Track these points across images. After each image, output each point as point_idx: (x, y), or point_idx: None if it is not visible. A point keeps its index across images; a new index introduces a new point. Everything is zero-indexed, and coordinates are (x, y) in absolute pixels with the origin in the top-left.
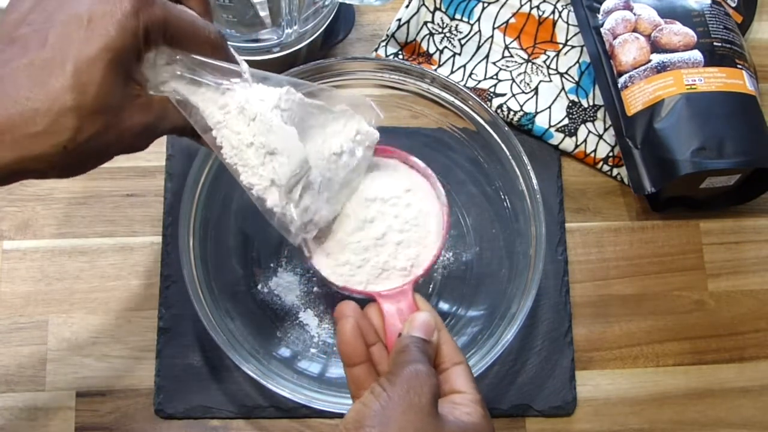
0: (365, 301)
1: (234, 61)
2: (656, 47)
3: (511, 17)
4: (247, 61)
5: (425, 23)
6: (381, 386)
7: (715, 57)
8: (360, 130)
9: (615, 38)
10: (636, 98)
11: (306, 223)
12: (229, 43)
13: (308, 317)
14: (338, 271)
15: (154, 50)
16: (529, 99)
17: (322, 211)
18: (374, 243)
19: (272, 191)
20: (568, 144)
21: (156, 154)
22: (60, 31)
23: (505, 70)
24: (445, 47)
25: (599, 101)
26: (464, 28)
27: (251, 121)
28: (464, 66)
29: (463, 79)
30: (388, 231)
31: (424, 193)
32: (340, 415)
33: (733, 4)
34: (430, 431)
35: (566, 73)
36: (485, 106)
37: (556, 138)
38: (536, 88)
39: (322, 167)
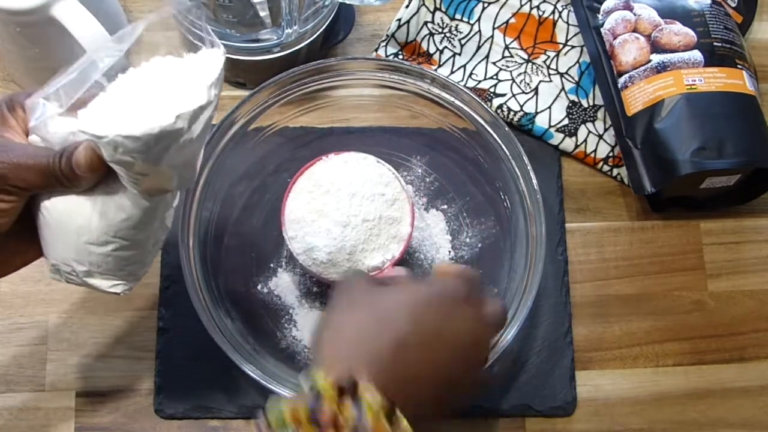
0: None
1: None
2: (656, 47)
3: (511, 17)
4: (247, 61)
5: (425, 23)
6: None
7: (715, 57)
8: None
9: (615, 38)
10: (636, 98)
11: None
12: (229, 43)
13: (308, 317)
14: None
15: None
16: (529, 99)
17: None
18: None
19: None
20: (568, 144)
21: None
22: None
23: (505, 70)
24: (445, 47)
25: (599, 101)
26: (464, 28)
27: None
28: (464, 66)
29: (463, 79)
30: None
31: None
32: None
33: (733, 4)
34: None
35: (566, 73)
36: (485, 106)
37: (556, 138)
38: (536, 88)
39: None
